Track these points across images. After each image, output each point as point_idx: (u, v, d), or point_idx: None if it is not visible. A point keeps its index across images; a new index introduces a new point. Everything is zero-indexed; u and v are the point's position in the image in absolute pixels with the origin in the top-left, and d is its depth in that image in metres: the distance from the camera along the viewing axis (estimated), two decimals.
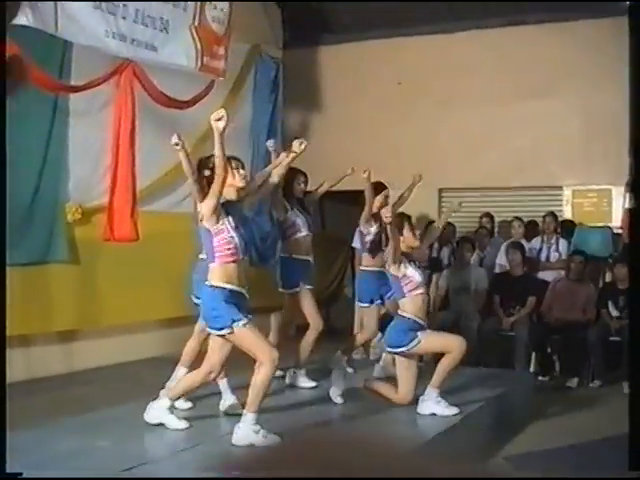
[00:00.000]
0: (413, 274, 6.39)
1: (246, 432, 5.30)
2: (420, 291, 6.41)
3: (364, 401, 6.56)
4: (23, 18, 6.82)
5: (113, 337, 9.37)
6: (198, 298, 6.17)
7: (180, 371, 6.48)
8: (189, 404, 6.26)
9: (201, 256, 5.92)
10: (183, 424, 5.70)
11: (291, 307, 7.42)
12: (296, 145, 6.20)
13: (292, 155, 6.22)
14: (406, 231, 6.44)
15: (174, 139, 5.27)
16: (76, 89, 8.56)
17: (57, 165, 8.60)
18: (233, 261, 5.29)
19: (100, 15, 7.93)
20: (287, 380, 7.27)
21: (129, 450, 5.23)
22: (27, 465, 4.73)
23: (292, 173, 7.19)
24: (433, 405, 6.32)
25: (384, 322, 7.28)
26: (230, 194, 5.44)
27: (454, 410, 6.35)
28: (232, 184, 5.44)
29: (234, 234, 5.29)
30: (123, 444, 5.33)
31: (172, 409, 5.73)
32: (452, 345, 6.39)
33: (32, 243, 8.34)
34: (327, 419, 6.33)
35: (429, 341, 6.39)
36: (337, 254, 12.79)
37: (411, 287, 6.36)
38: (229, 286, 5.27)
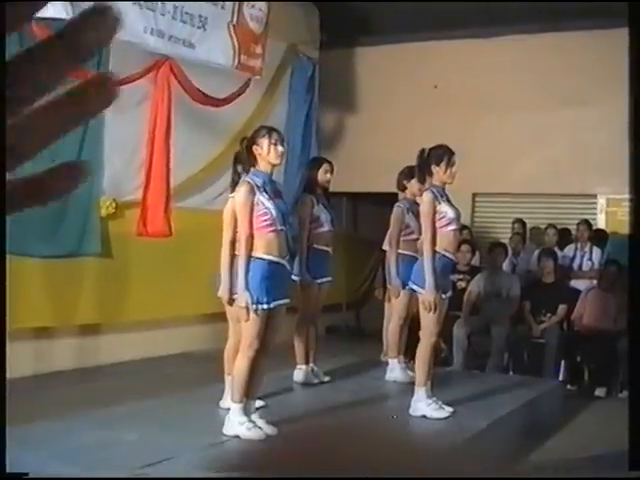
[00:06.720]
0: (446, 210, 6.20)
1: (232, 423, 5.25)
2: (453, 227, 6.12)
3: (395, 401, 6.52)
4: (62, 12, 6.87)
5: (143, 331, 9.42)
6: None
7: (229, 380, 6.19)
8: (261, 402, 5.83)
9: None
10: (257, 433, 5.30)
11: (308, 299, 7.14)
12: None
13: None
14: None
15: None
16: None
17: (92, 159, 8.66)
18: (271, 231, 5.27)
19: (139, 11, 7.99)
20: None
21: (156, 444, 5.24)
22: (55, 455, 4.78)
23: (318, 162, 7.18)
24: (424, 407, 6.03)
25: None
26: (264, 167, 5.41)
27: (445, 413, 6.08)
28: (267, 159, 5.40)
29: (269, 205, 5.26)
30: (150, 438, 5.34)
31: (244, 417, 5.35)
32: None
33: (65, 236, 8.40)
34: (351, 419, 6.26)
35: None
36: (369, 256, 12.78)
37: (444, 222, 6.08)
38: (268, 257, 5.21)
